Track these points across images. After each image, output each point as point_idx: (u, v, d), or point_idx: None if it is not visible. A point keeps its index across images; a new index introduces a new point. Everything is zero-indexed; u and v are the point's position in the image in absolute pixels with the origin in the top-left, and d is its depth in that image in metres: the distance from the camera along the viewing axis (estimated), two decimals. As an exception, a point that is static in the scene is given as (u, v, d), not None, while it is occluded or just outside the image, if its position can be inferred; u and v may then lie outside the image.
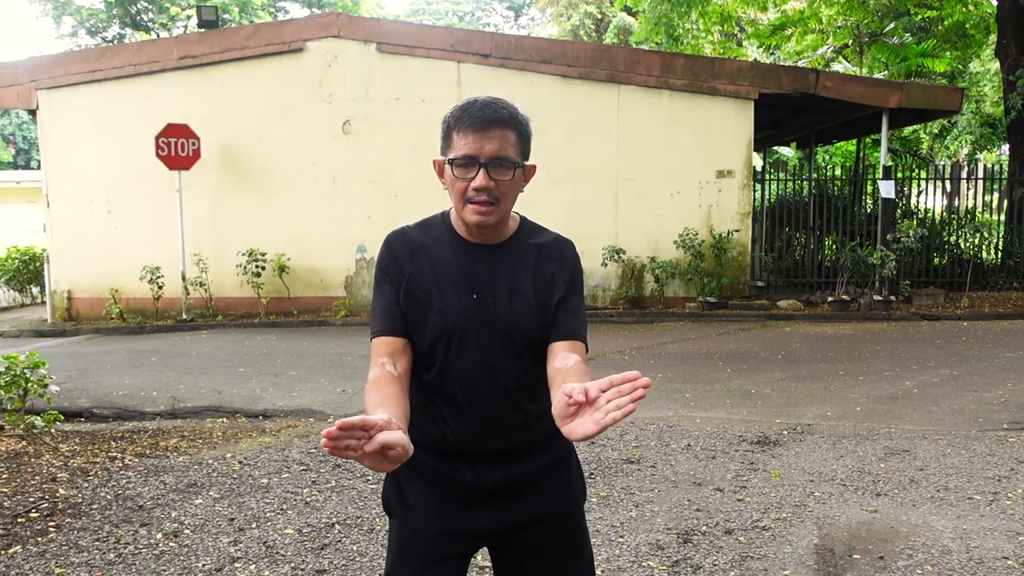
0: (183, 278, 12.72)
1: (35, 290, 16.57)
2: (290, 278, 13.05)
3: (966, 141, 23.39)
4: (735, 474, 5.10)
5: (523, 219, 2.03)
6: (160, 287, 12.57)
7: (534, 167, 1.94)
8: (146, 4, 32.06)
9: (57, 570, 3.81)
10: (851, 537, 4.09)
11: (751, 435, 5.97)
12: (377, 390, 1.77)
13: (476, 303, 1.90)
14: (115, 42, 32.60)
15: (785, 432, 6.06)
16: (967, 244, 14.79)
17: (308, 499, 4.75)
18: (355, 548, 4.03)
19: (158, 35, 32.27)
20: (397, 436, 1.47)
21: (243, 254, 12.67)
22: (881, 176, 13.64)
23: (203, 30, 14.51)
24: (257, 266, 12.65)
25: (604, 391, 1.46)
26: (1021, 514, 4.37)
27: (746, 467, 5.24)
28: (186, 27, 33.68)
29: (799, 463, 5.31)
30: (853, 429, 6.13)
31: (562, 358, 1.85)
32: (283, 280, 12.98)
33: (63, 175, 13.24)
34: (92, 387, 8.14)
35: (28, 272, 16.22)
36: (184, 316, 12.69)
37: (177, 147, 12.50)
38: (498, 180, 1.84)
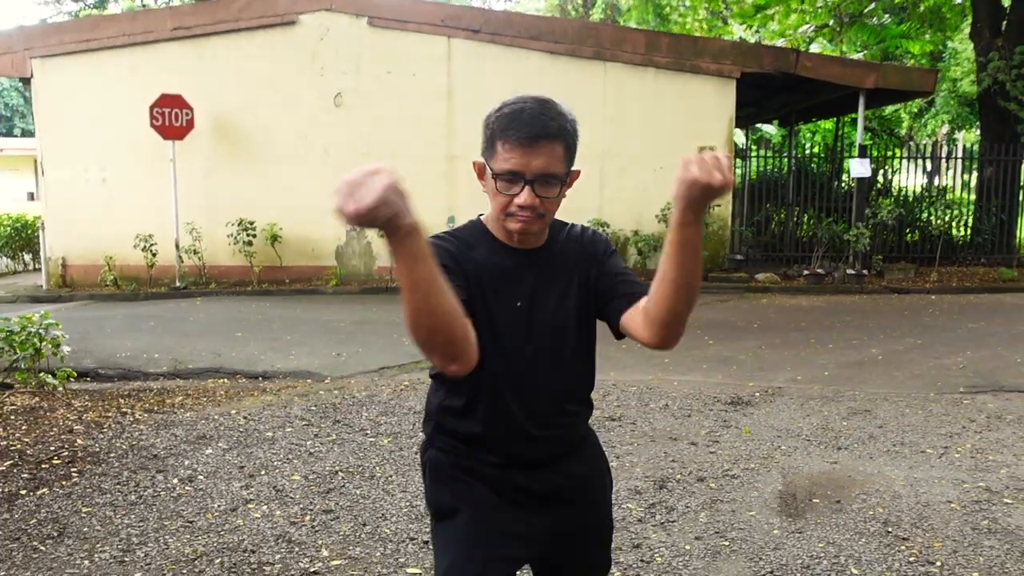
0: (177, 246, 12.97)
1: (27, 257, 16.75)
2: (282, 247, 13.31)
3: (943, 120, 23.83)
4: (709, 430, 5.50)
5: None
6: (154, 255, 12.81)
7: (578, 172, 1.86)
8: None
9: (84, 509, 4.15)
10: (812, 484, 4.49)
11: (725, 396, 6.36)
12: None
13: (521, 311, 1.86)
14: (98, 8, 32.41)
15: (757, 394, 6.46)
16: (938, 221, 15.26)
17: (312, 450, 5.10)
18: (358, 492, 4.39)
19: (143, 3, 32.10)
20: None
21: (233, 224, 12.93)
22: (857, 154, 14.03)
23: (195, 1, 14.65)
24: (248, 235, 12.92)
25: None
26: (968, 466, 4.78)
27: (719, 424, 5.64)
28: (171, -5, 33.51)
29: (768, 421, 5.71)
30: (820, 392, 6.54)
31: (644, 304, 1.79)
32: (275, 249, 13.25)
33: (58, 143, 13.40)
34: (95, 349, 8.44)
35: (20, 239, 16.41)
36: (178, 283, 12.96)
37: (171, 117, 12.70)
38: (544, 197, 1.76)
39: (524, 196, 1.74)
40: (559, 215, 1.93)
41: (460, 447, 1.95)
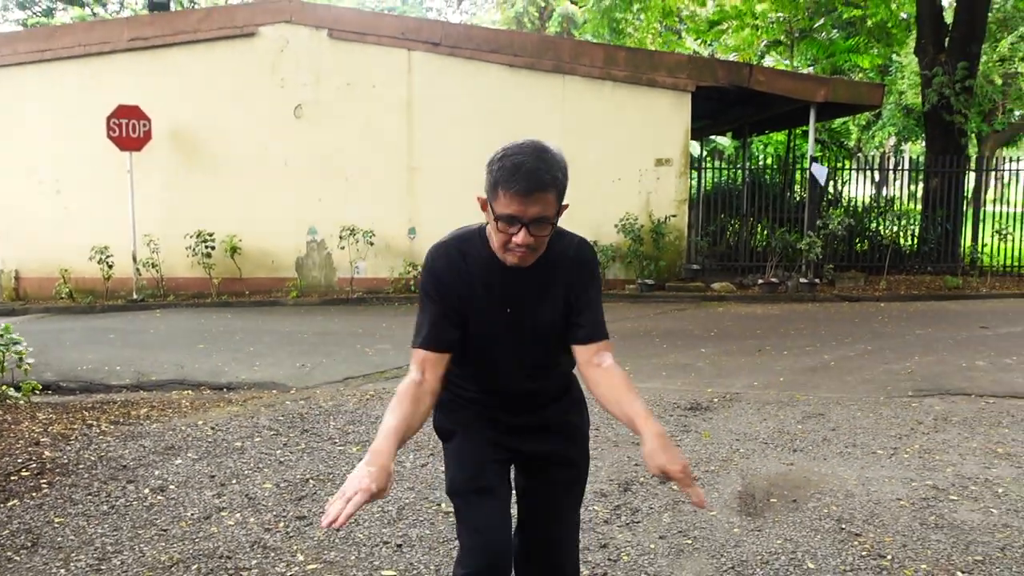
0: (134, 259, 12.84)
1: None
2: (242, 259, 13.27)
3: (890, 133, 24.50)
4: (670, 435, 5.60)
5: None
6: (110, 267, 12.67)
7: (567, 205, 2.18)
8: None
9: (57, 519, 4.17)
10: (770, 485, 4.67)
11: (684, 402, 6.54)
12: (395, 407, 2.13)
13: (510, 316, 2.25)
14: (47, 17, 31.92)
15: (716, 400, 6.65)
16: (887, 231, 15.70)
17: (282, 459, 5.16)
18: (330, 499, 4.46)
19: (93, 12, 31.68)
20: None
21: (191, 235, 12.86)
22: (810, 164, 14.41)
23: (152, 12, 14.57)
24: (207, 247, 12.85)
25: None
26: (916, 465, 5.01)
27: (680, 429, 5.81)
28: (122, 3, 33.11)
29: (727, 425, 5.90)
30: (776, 397, 6.76)
31: (598, 358, 2.25)
32: (235, 261, 13.20)
33: (11, 154, 13.22)
34: (55, 362, 8.37)
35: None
36: (135, 296, 12.84)
37: (128, 128, 12.61)
38: (537, 235, 2.10)
39: (521, 236, 2.08)
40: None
41: (462, 396, 2.43)
